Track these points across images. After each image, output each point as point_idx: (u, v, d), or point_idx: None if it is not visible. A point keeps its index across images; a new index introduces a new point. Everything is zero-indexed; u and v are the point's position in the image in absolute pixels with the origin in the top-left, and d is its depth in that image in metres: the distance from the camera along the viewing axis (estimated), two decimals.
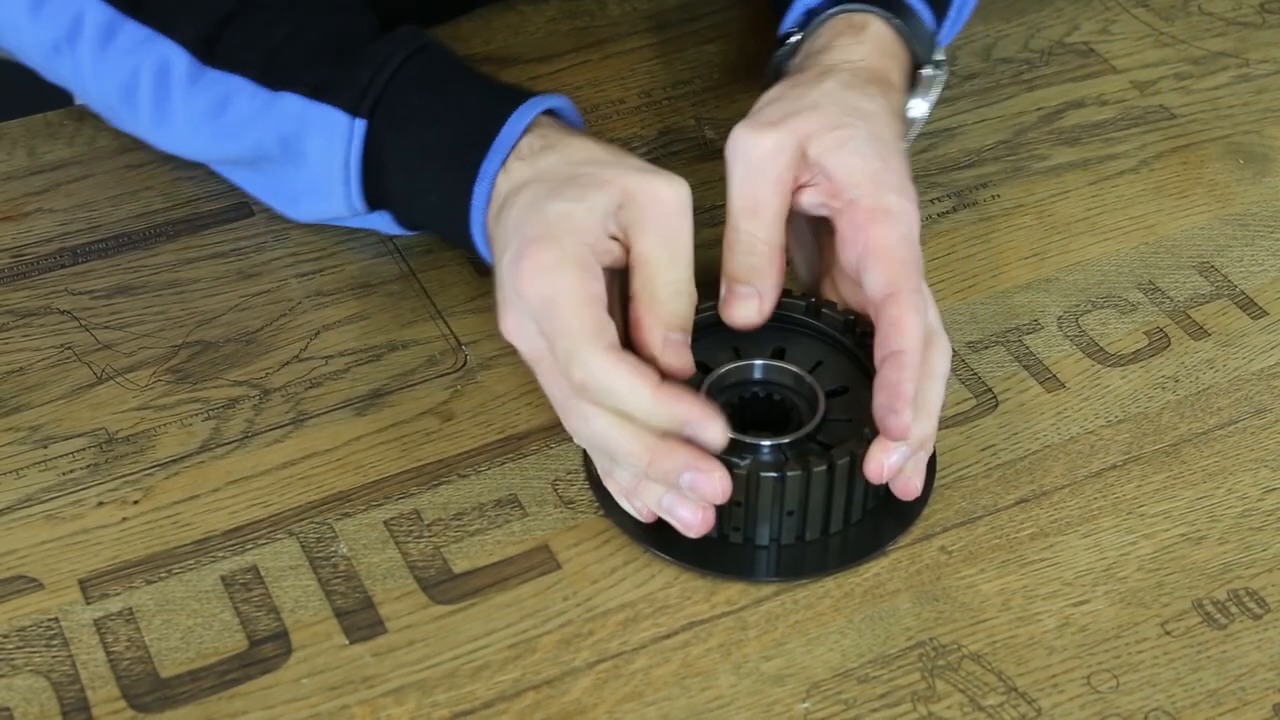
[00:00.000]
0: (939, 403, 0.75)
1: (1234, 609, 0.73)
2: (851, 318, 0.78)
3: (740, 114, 0.99)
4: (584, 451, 0.79)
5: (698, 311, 0.78)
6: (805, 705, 0.70)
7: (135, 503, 0.78)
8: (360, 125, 0.81)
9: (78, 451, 0.80)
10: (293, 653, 0.72)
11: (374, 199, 0.84)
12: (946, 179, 0.94)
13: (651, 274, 0.74)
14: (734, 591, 0.74)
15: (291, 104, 0.82)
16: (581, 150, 0.78)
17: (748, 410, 0.77)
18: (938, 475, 0.78)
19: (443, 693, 0.70)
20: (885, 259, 0.75)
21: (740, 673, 0.71)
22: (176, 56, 0.84)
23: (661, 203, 0.74)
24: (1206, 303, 0.87)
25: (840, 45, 0.83)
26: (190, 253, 0.90)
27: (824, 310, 0.78)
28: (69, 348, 0.85)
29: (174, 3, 0.84)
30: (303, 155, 0.83)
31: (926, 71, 0.86)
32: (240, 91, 0.83)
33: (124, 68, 0.85)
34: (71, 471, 0.79)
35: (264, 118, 0.83)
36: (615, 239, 0.74)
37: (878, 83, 0.81)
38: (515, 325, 0.74)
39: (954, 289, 0.88)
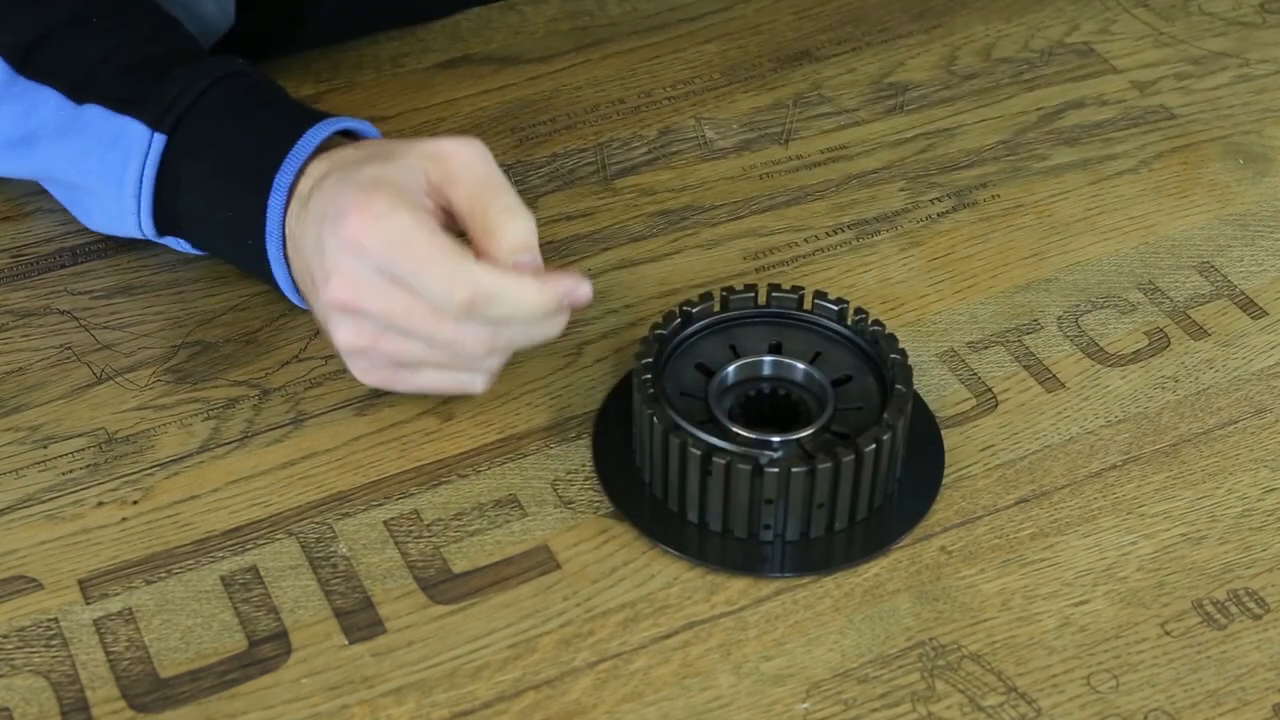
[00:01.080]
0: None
1: (1234, 609, 0.73)
2: (845, 307, 0.78)
3: (740, 114, 0.99)
4: (593, 450, 0.79)
5: (692, 307, 0.79)
6: (805, 705, 0.70)
7: (135, 503, 0.78)
8: (159, 140, 0.80)
9: (77, 451, 0.80)
10: (292, 653, 0.72)
11: (164, 222, 0.83)
12: (946, 179, 0.94)
13: (480, 211, 0.74)
14: (734, 591, 0.74)
15: (94, 118, 0.81)
16: (378, 143, 0.79)
17: (753, 408, 0.77)
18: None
19: (442, 693, 0.70)
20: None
21: (740, 673, 0.71)
22: None
23: (463, 154, 0.75)
24: (1206, 303, 0.87)
25: None
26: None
27: (817, 302, 0.79)
28: (69, 348, 0.85)
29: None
30: (98, 177, 0.82)
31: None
32: (48, 102, 0.82)
33: None
34: (71, 471, 0.79)
35: (65, 132, 0.82)
36: (431, 202, 0.75)
37: None
38: (356, 286, 0.73)
39: (954, 289, 0.88)
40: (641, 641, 0.72)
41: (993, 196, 0.93)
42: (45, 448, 0.80)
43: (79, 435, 0.81)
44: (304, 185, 0.78)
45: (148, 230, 0.83)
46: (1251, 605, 0.73)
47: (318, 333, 0.85)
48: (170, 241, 0.85)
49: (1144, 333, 0.85)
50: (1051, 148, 0.96)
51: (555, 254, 0.90)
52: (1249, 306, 0.87)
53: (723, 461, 0.72)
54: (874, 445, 0.73)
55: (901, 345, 0.77)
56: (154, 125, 0.80)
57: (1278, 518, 0.77)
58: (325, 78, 1.02)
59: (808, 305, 0.79)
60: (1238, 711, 0.69)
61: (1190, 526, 0.76)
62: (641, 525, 0.76)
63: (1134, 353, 0.84)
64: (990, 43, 1.04)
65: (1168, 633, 0.72)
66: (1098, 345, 0.85)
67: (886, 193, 0.94)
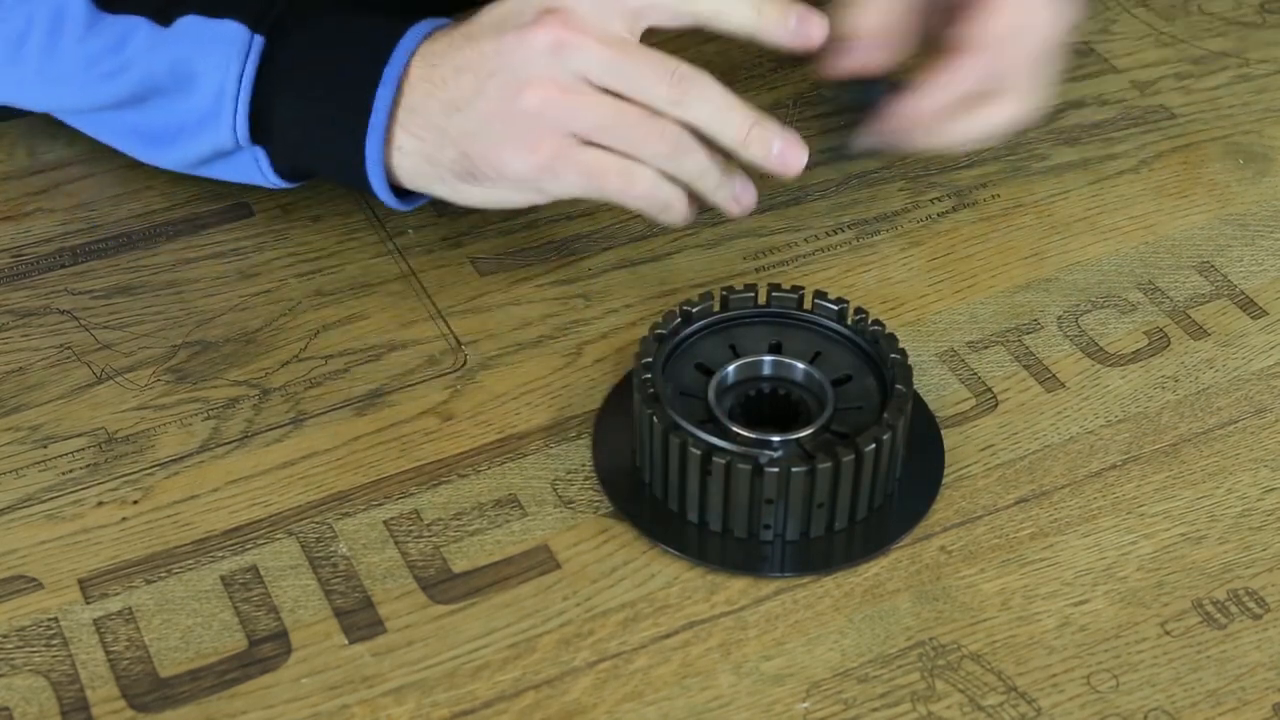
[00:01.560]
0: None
1: (1234, 609, 0.73)
2: (845, 306, 0.78)
3: None
4: (592, 450, 0.79)
5: (692, 307, 0.79)
6: (805, 705, 0.70)
7: (135, 502, 0.78)
8: (259, 41, 0.81)
9: (77, 451, 0.80)
10: (292, 652, 0.72)
11: (257, 128, 0.83)
12: (946, 179, 0.94)
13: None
14: (734, 591, 0.74)
15: (188, 25, 0.82)
16: None
17: (753, 407, 0.77)
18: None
19: (442, 692, 0.70)
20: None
21: (740, 672, 0.71)
22: (74, 3, 0.84)
23: None
24: (1206, 303, 0.87)
25: None
26: (190, 253, 0.90)
27: (817, 302, 0.79)
28: (69, 348, 0.85)
29: None
30: (192, 79, 0.82)
31: None
32: (137, 30, 0.83)
33: (18, 16, 0.85)
34: (71, 471, 0.79)
35: (159, 46, 0.83)
36: None
37: None
38: (572, 22, 0.75)
39: (954, 289, 0.88)
40: (641, 641, 0.72)
41: (993, 196, 0.93)
42: (45, 447, 0.80)
43: (79, 435, 0.81)
44: (416, 70, 0.78)
45: (242, 134, 0.83)
46: (1251, 605, 0.73)
47: (317, 333, 0.85)
48: (245, 159, 0.85)
49: (1144, 332, 0.85)
50: (1052, 147, 0.96)
51: (556, 253, 0.90)
52: (1249, 306, 0.87)
53: (723, 461, 0.72)
54: (874, 445, 0.73)
55: (901, 345, 0.77)
56: (254, 26, 0.81)
57: (1277, 517, 0.77)
58: None
59: (808, 305, 0.79)
60: (1238, 711, 0.69)
61: (1190, 526, 0.76)
62: (641, 525, 0.76)
63: (1134, 352, 0.84)
64: None
65: (1168, 632, 0.72)
66: (1098, 345, 0.85)
67: (886, 192, 0.94)
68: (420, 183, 0.82)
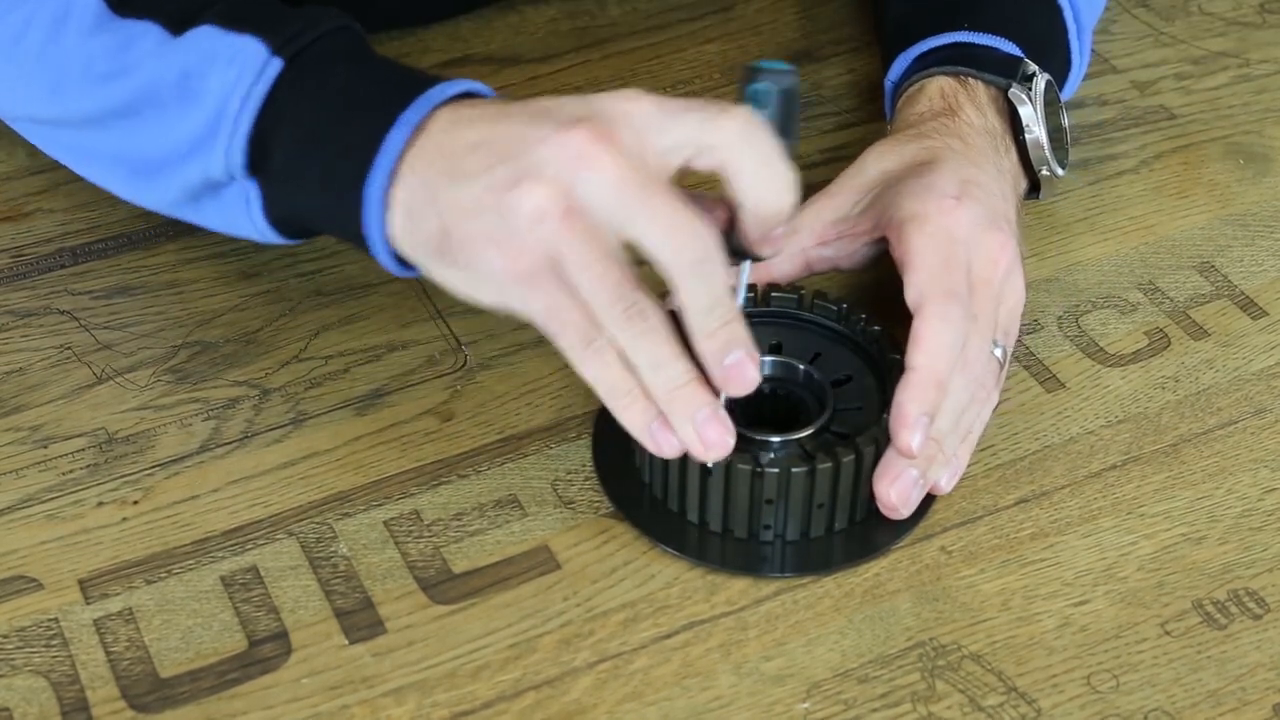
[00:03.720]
0: (947, 428, 0.75)
1: (1234, 609, 0.73)
2: (845, 306, 0.78)
3: None
4: (592, 450, 0.79)
5: None
6: (805, 705, 0.70)
7: (135, 503, 0.78)
8: (276, 64, 0.75)
9: (77, 451, 0.80)
10: (292, 653, 0.72)
11: (254, 157, 0.76)
12: None
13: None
14: (734, 591, 0.74)
15: (204, 35, 0.77)
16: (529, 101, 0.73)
17: (752, 407, 0.77)
18: None
19: (443, 693, 0.70)
20: (915, 265, 0.76)
21: (740, 673, 0.71)
22: (84, 3, 0.79)
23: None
24: (1206, 303, 0.87)
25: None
26: (190, 253, 0.90)
27: (817, 302, 0.79)
28: (69, 348, 0.85)
29: None
30: (198, 93, 0.76)
31: (1012, 91, 0.85)
32: (147, 34, 0.78)
33: (15, 17, 0.80)
34: (71, 471, 0.79)
35: (167, 54, 0.77)
36: None
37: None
38: (607, 136, 0.67)
39: None
40: (642, 641, 0.72)
41: None
42: (45, 448, 0.80)
43: (79, 435, 0.81)
44: (437, 125, 0.72)
45: (236, 159, 0.76)
46: (1252, 605, 0.73)
47: (317, 333, 0.85)
48: (234, 196, 0.78)
49: (1144, 333, 0.85)
50: None
51: None
52: (1249, 307, 0.87)
53: (723, 462, 0.72)
54: (873, 445, 0.73)
55: (901, 345, 0.77)
56: (275, 49, 0.75)
57: (1278, 518, 0.77)
58: None
59: (808, 305, 0.79)
60: (1238, 711, 0.69)
61: (1190, 527, 0.76)
62: (641, 525, 0.76)
63: (1134, 353, 0.84)
64: None
65: (1168, 633, 0.72)
66: (1098, 345, 0.85)
67: None
68: (404, 247, 0.73)
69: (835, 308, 0.79)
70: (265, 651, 0.72)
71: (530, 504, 0.77)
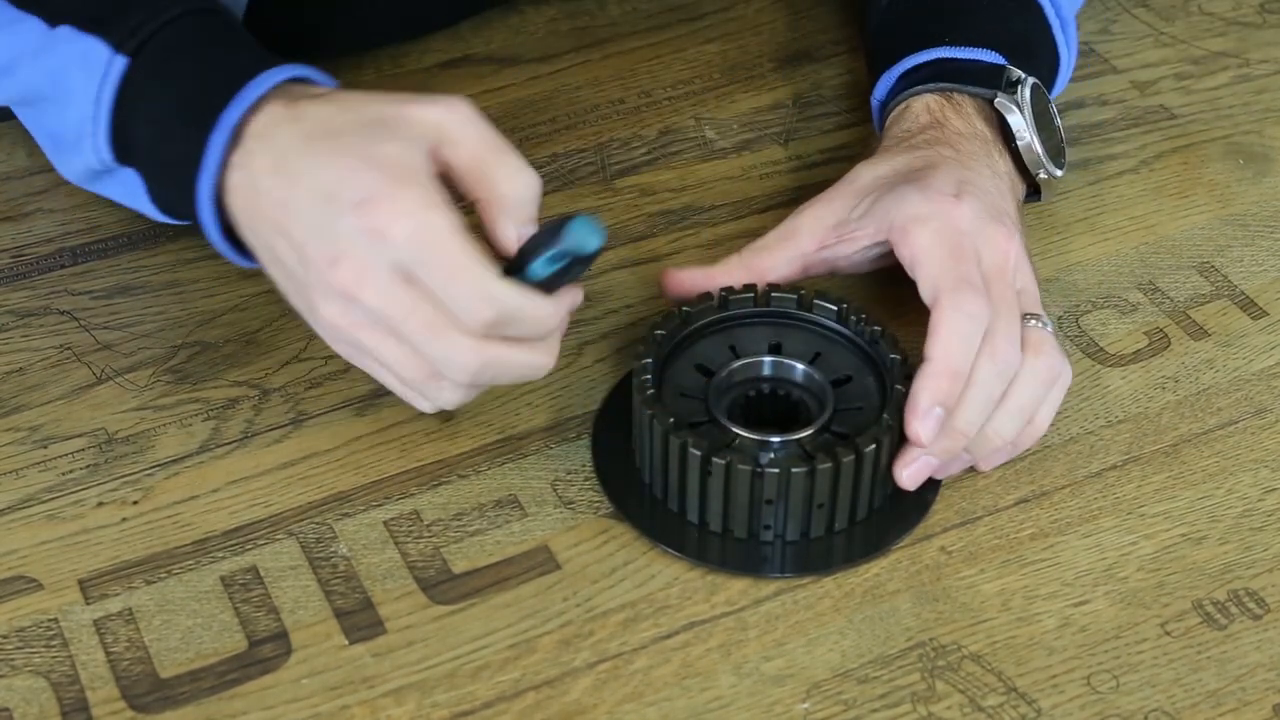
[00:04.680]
0: (974, 417, 0.75)
1: (1234, 609, 0.73)
2: (844, 306, 0.78)
3: (740, 114, 0.99)
4: (592, 451, 0.79)
5: (693, 307, 0.78)
6: (805, 706, 0.70)
7: (135, 503, 0.78)
8: (120, 62, 0.78)
9: (77, 452, 0.80)
10: (292, 653, 0.72)
11: (121, 150, 0.79)
12: None
13: (485, 173, 0.72)
14: (734, 592, 0.74)
15: (64, 37, 0.79)
16: (353, 97, 0.75)
17: (753, 408, 0.77)
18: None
19: (442, 693, 0.70)
20: (925, 262, 0.76)
21: (740, 673, 0.71)
22: None
23: (459, 115, 0.73)
24: (1206, 303, 0.87)
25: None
26: (190, 253, 0.90)
27: (817, 302, 0.79)
28: (69, 348, 0.85)
29: None
30: (67, 93, 0.80)
31: (998, 101, 0.85)
32: (31, 30, 0.80)
33: None
34: (71, 472, 0.79)
35: (41, 53, 0.80)
36: (436, 172, 0.72)
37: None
38: (365, 275, 0.70)
39: None
40: (642, 642, 0.72)
41: None
42: (45, 448, 0.80)
43: (79, 435, 0.81)
44: (257, 124, 0.74)
45: (104, 155, 0.79)
46: (1252, 605, 0.73)
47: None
48: (127, 177, 0.81)
49: (1144, 333, 0.85)
50: None
51: None
52: (1249, 307, 0.87)
53: (722, 462, 0.72)
54: (874, 445, 0.73)
55: (901, 345, 0.77)
56: (117, 47, 0.78)
57: (1278, 518, 0.77)
58: (328, 56, 1.02)
59: (807, 305, 0.79)
60: (1238, 712, 0.69)
61: (1190, 527, 0.76)
62: (641, 526, 0.76)
63: (1134, 353, 0.84)
64: None
65: (1168, 633, 0.72)
66: (1098, 345, 0.85)
67: None
68: (243, 235, 0.76)
69: (835, 308, 0.79)
70: (265, 652, 0.72)
71: (530, 504, 0.77)
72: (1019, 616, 0.73)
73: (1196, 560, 0.75)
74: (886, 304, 0.86)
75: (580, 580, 0.74)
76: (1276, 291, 0.88)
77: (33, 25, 0.81)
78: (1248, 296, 0.87)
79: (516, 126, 0.99)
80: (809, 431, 0.75)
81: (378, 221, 0.69)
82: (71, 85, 0.79)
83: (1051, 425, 0.80)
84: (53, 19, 0.80)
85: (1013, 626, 0.72)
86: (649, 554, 0.75)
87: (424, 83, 1.02)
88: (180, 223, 0.81)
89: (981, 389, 0.74)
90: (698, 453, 0.73)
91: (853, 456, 0.73)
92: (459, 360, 0.71)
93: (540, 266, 0.71)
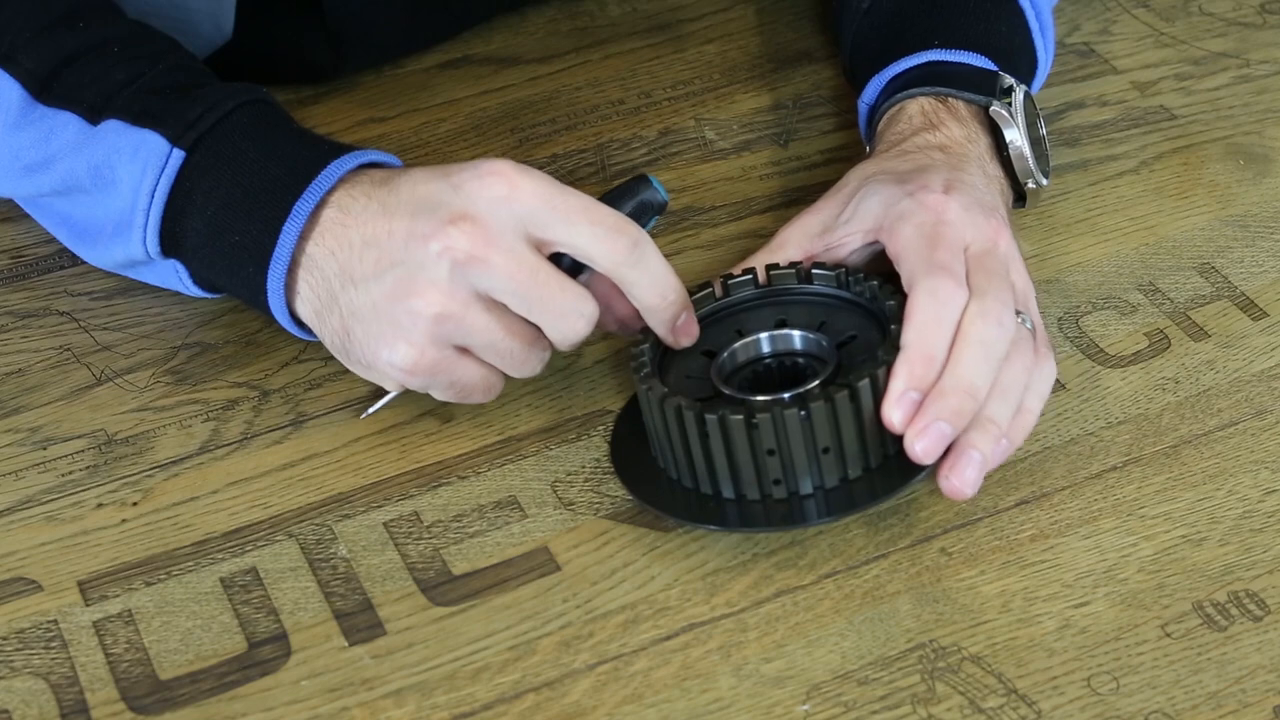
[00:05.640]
0: (973, 372, 0.73)
1: (1234, 611, 0.73)
2: (842, 271, 0.78)
3: (740, 115, 0.99)
4: (611, 447, 0.79)
5: (692, 297, 0.78)
6: (805, 707, 0.70)
7: (134, 504, 0.78)
8: (178, 156, 0.78)
9: (77, 453, 0.80)
10: (292, 655, 0.72)
11: (169, 242, 0.80)
12: None
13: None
14: (733, 593, 0.74)
15: (112, 129, 0.80)
16: (424, 172, 0.76)
17: (762, 382, 0.77)
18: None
19: (442, 695, 0.70)
20: (904, 255, 0.77)
21: (740, 674, 0.71)
22: (11, 90, 0.82)
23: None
24: (1207, 304, 0.87)
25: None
26: None
27: (815, 271, 0.79)
28: (68, 349, 0.85)
29: (18, 38, 0.82)
30: (112, 183, 0.80)
31: (994, 109, 0.85)
32: (68, 126, 0.81)
33: None
34: (71, 473, 0.79)
35: (84, 145, 0.80)
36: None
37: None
38: (498, 238, 0.72)
39: None
40: (641, 643, 0.72)
41: None
42: (45, 449, 0.80)
43: (78, 437, 0.81)
44: (329, 214, 0.76)
45: (152, 247, 0.80)
46: (1252, 607, 0.73)
47: None
48: (166, 268, 0.82)
49: (1144, 334, 0.85)
50: (1052, 148, 0.96)
51: None
52: (1249, 308, 0.86)
53: (715, 416, 0.72)
54: (868, 380, 0.73)
55: (897, 294, 0.76)
56: (174, 140, 0.78)
57: (1278, 519, 0.77)
58: (326, 78, 1.02)
59: (806, 277, 0.79)
60: (1238, 714, 0.69)
61: (1191, 528, 0.76)
62: (672, 512, 0.75)
63: (1134, 354, 0.84)
64: None
65: (1168, 634, 0.72)
66: (1098, 346, 0.85)
67: None
68: (318, 334, 0.79)
69: (833, 273, 0.78)
70: (265, 653, 0.72)
71: (530, 505, 0.77)
72: (1019, 618, 0.73)
73: (1197, 562, 0.75)
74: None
75: (580, 582, 0.74)
76: (1277, 293, 0.87)
77: (71, 121, 0.81)
78: (1248, 297, 0.87)
79: (516, 127, 0.99)
80: (813, 385, 0.74)
81: (499, 181, 0.73)
82: (117, 178, 0.80)
83: (1052, 426, 0.80)
84: (94, 115, 0.81)
85: (1013, 628, 0.72)
86: (649, 555, 0.75)
87: (424, 83, 1.02)
88: (218, 295, 0.84)
89: (966, 371, 0.73)
90: (690, 413, 0.72)
91: (846, 393, 0.72)
92: (582, 308, 0.74)
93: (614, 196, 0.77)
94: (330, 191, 0.76)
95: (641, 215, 0.77)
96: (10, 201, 0.93)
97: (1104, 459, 0.79)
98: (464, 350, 0.75)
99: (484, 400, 0.78)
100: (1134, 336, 0.85)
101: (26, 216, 0.92)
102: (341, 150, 0.78)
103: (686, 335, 0.77)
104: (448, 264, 0.72)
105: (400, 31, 1.02)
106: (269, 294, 0.77)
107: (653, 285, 0.75)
